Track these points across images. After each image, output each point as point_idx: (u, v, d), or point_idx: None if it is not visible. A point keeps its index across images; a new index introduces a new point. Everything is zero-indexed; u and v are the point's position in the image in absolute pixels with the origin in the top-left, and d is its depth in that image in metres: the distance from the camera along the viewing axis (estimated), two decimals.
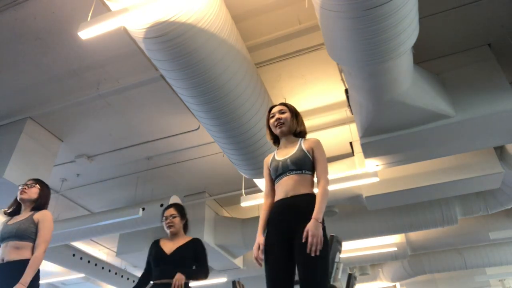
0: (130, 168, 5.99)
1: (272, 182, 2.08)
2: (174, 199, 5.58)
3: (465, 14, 3.62)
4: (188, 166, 5.97)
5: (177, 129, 5.17)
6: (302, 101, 4.78)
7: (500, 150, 4.77)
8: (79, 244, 8.24)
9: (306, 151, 2.00)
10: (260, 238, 1.91)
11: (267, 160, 2.14)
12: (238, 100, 3.45)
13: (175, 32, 2.78)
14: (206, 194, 6.68)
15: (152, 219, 5.54)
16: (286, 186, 1.94)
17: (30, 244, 2.38)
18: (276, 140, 2.21)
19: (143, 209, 5.46)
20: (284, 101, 4.69)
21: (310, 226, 1.74)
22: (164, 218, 2.70)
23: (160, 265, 2.52)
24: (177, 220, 2.67)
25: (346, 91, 4.10)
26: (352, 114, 4.19)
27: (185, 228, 2.75)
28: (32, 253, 2.35)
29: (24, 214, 2.50)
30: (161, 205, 5.45)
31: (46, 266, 8.16)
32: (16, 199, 2.58)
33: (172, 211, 2.70)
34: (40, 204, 2.55)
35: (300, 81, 4.50)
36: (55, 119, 4.86)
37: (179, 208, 2.75)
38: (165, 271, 2.46)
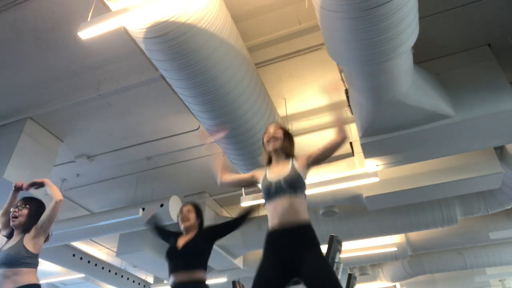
0: (130, 168, 5.98)
1: (242, 183, 2.24)
2: (174, 199, 5.57)
3: (465, 14, 3.62)
4: (188, 166, 5.96)
5: (177, 129, 5.16)
6: (302, 101, 4.78)
7: (500, 150, 4.76)
8: (79, 244, 8.24)
9: (300, 173, 2.01)
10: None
11: (257, 174, 2.15)
12: (238, 100, 3.45)
13: (175, 32, 2.78)
14: (206, 194, 6.68)
15: None
16: (281, 212, 1.90)
17: (23, 270, 2.18)
18: (269, 161, 2.21)
19: (143, 209, 5.46)
20: (284, 102, 4.72)
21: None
22: (180, 212, 2.75)
23: (173, 260, 2.57)
24: (192, 215, 2.72)
25: (346, 91, 4.10)
26: (352, 114, 4.19)
27: (200, 227, 2.79)
28: (30, 278, 2.19)
29: (15, 237, 2.33)
30: (161, 205, 5.44)
31: (46, 266, 8.16)
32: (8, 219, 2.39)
33: (188, 207, 2.77)
34: (30, 225, 2.36)
35: (300, 81, 4.50)
36: (55, 119, 4.86)
37: (196, 206, 2.81)
38: (177, 265, 2.52)
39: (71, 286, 10.20)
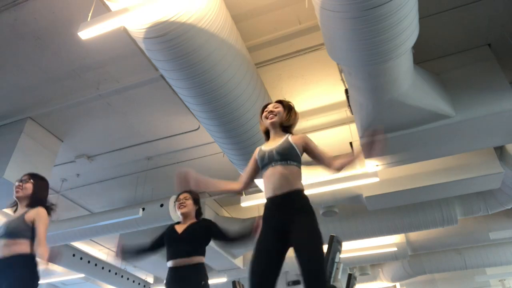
0: (130, 168, 5.98)
1: (252, 172, 2.15)
2: (174, 200, 5.57)
3: (465, 14, 3.62)
4: (188, 166, 5.93)
5: (177, 129, 5.16)
6: (302, 101, 4.78)
7: (500, 150, 4.77)
8: (79, 244, 8.24)
9: (294, 144, 2.01)
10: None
11: (256, 152, 2.16)
12: (238, 100, 3.45)
13: (175, 32, 2.78)
14: (206, 194, 6.68)
15: (152, 219, 5.54)
16: (273, 181, 1.93)
17: (22, 241, 2.31)
18: (267, 136, 2.21)
19: (143, 209, 5.46)
20: None
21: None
22: (177, 199, 2.77)
23: (172, 245, 2.58)
24: (190, 202, 2.75)
25: (346, 91, 4.10)
26: (352, 114, 4.19)
27: (198, 215, 2.81)
28: (25, 248, 2.29)
29: (19, 211, 2.46)
30: (161, 205, 5.45)
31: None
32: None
33: (186, 194, 2.79)
34: (35, 199, 2.47)
35: (300, 81, 4.50)
36: (55, 119, 4.86)
37: (194, 194, 2.82)
38: (177, 250, 2.54)
39: (71, 286, 10.20)
